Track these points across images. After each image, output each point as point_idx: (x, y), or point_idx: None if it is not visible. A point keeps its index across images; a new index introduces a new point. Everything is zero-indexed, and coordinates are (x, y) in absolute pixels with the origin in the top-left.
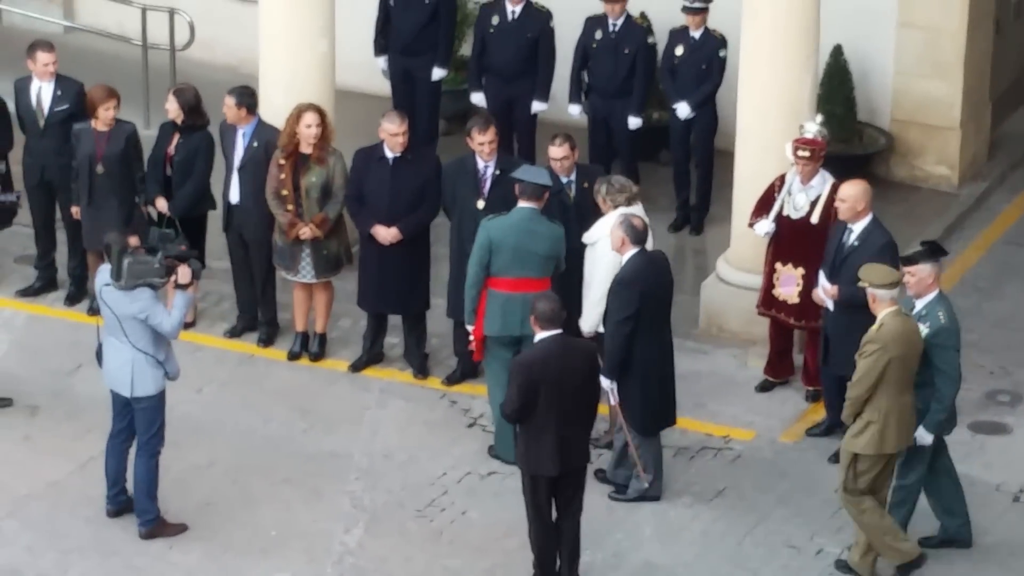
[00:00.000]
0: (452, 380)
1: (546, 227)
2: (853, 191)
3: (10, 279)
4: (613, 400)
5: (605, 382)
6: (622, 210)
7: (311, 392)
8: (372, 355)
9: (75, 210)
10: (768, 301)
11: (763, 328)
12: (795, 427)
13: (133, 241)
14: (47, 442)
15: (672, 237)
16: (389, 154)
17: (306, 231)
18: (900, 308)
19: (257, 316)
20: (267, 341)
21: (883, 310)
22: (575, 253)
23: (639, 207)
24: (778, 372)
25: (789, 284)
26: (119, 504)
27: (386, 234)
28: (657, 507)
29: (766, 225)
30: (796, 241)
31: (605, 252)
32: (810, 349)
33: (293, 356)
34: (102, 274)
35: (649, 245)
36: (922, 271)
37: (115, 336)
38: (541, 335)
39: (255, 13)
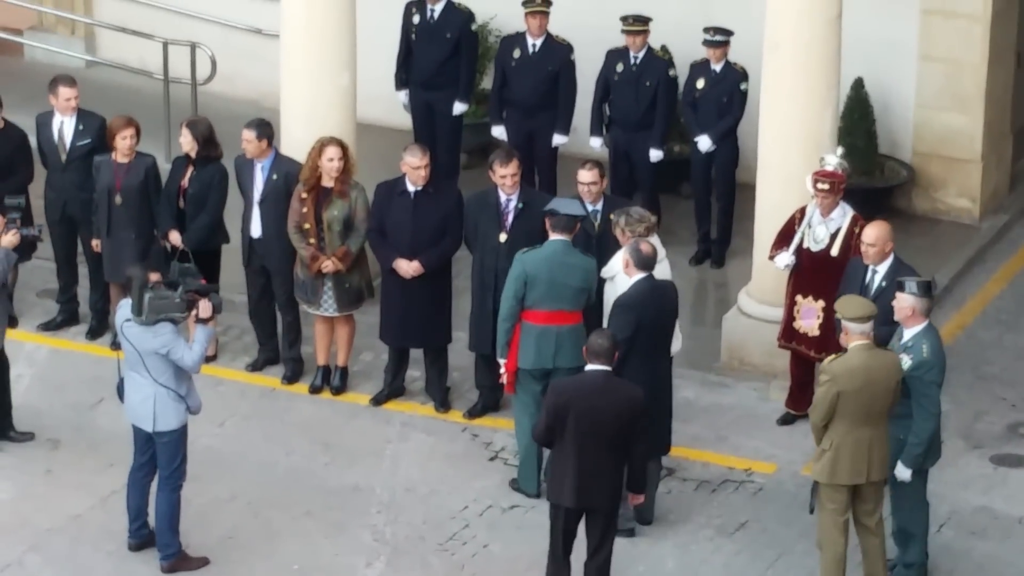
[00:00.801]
0: (474, 413)
1: (579, 259)
2: (881, 232)
3: (32, 313)
4: None
5: None
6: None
7: (333, 425)
8: (393, 388)
9: (96, 243)
10: (789, 334)
11: (784, 361)
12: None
13: (154, 276)
14: (69, 476)
15: (693, 270)
16: (411, 187)
17: (328, 264)
18: (870, 344)
19: (278, 349)
20: (292, 379)
21: (851, 342)
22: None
23: (656, 238)
24: (800, 405)
25: (809, 316)
26: (141, 538)
27: (408, 267)
28: (679, 540)
29: (786, 258)
30: (816, 274)
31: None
32: None
33: (315, 390)
34: (123, 309)
35: (665, 273)
36: (903, 301)
37: (137, 371)
38: (589, 367)
39: (276, 47)
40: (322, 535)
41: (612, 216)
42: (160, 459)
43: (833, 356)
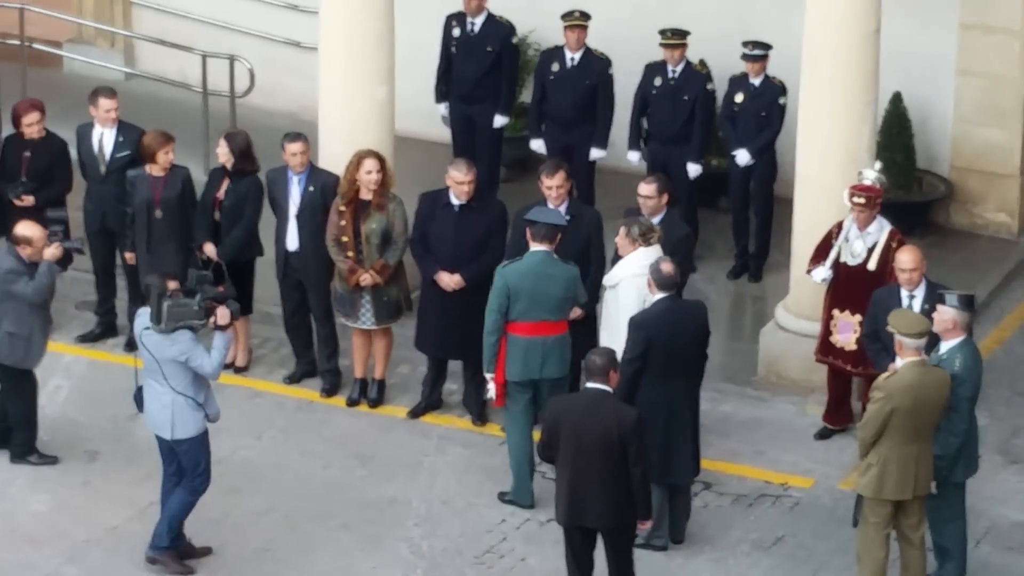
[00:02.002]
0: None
1: (561, 269)
2: (916, 256)
3: (70, 325)
4: None
5: None
6: (643, 250)
7: (370, 438)
8: (431, 401)
9: (130, 256)
10: (826, 348)
11: (822, 375)
12: (854, 475)
13: (172, 284)
14: (106, 488)
15: (731, 284)
16: (455, 201)
17: (366, 277)
18: (924, 359)
19: (315, 361)
20: (330, 391)
21: (905, 358)
22: None
23: (658, 247)
24: (837, 419)
25: (846, 331)
26: (182, 545)
27: (449, 280)
28: (715, 555)
29: (823, 272)
30: (853, 288)
31: (628, 293)
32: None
33: (352, 402)
34: (141, 318)
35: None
36: (945, 314)
37: (155, 379)
38: (588, 384)
39: (315, 60)
40: (358, 548)
41: (621, 224)
42: (185, 466)
43: (887, 373)
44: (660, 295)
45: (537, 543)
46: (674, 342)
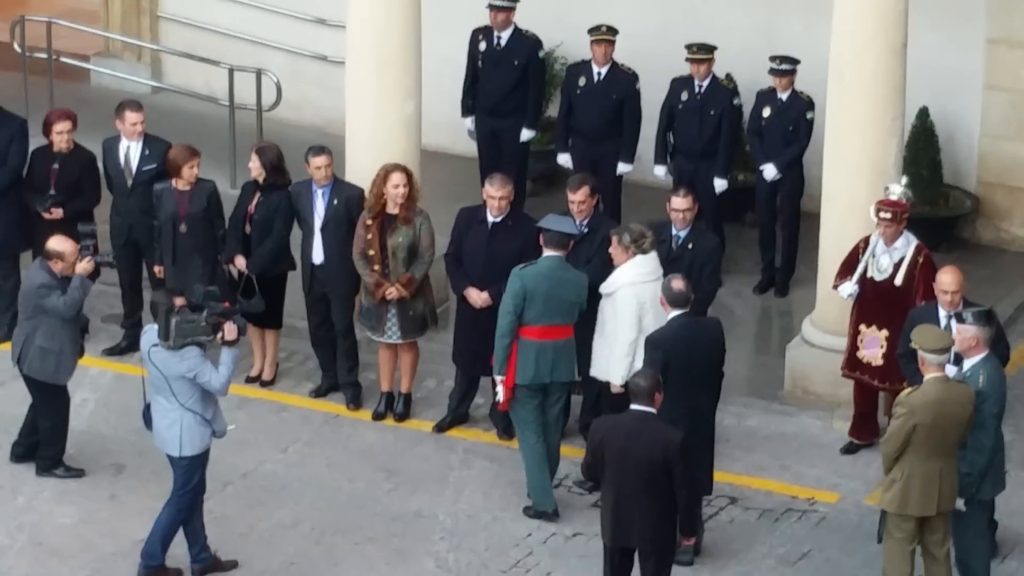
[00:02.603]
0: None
1: (573, 274)
2: (959, 278)
3: (97, 338)
4: None
5: None
6: (639, 257)
7: (396, 452)
8: (457, 415)
9: (158, 269)
10: (852, 363)
11: (848, 390)
12: (879, 490)
13: (178, 301)
14: (132, 501)
15: (757, 299)
16: (490, 217)
17: (392, 291)
18: (947, 375)
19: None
20: (355, 404)
21: (929, 374)
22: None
23: (654, 254)
24: (863, 434)
25: (873, 346)
26: (204, 562)
27: (477, 298)
28: (741, 569)
29: (850, 287)
30: (880, 303)
31: (625, 302)
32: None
33: (378, 416)
34: (148, 335)
35: (655, 268)
36: (967, 331)
37: (163, 396)
38: (632, 406)
39: (342, 74)
40: (384, 562)
41: (613, 235)
42: (176, 479)
43: (909, 389)
44: (675, 312)
45: (563, 557)
46: (691, 359)
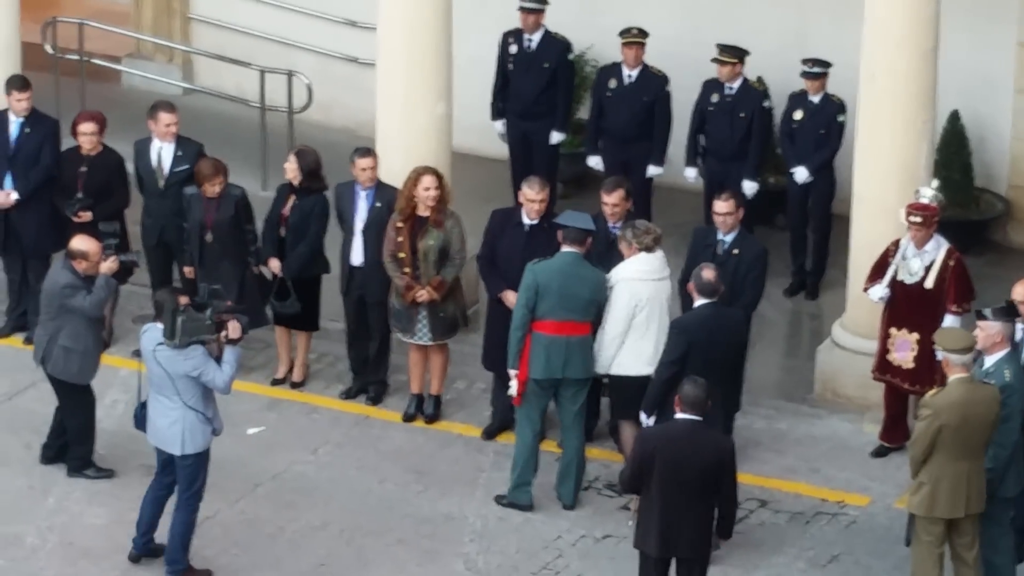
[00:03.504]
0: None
1: (589, 271)
2: None
3: (128, 339)
4: None
5: (643, 416)
6: (643, 255)
7: (426, 454)
8: (505, 420)
9: (188, 270)
10: (883, 366)
11: (878, 393)
12: (907, 493)
13: (183, 300)
14: None
15: (788, 301)
16: (526, 220)
17: (423, 294)
18: (972, 376)
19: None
20: (376, 400)
21: (953, 375)
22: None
23: (660, 254)
24: (894, 437)
25: (904, 349)
26: (146, 551)
27: (514, 300)
28: (771, 572)
29: (880, 290)
30: (911, 306)
31: (621, 295)
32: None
33: (408, 418)
34: (149, 333)
35: (662, 267)
36: (991, 328)
37: (165, 395)
38: (680, 415)
39: (373, 76)
40: (415, 563)
41: (620, 231)
42: (180, 481)
43: (934, 390)
44: (702, 301)
45: (593, 559)
46: (712, 348)
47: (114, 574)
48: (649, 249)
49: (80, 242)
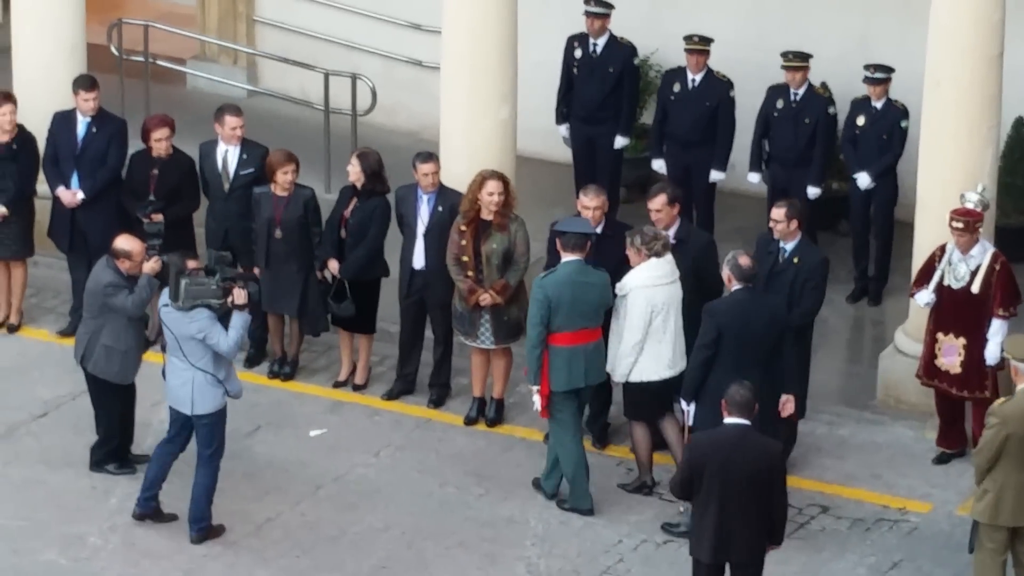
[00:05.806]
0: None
1: (595, 276)
2: None
3: None
4: (689, 422)
5: (682, 403)
6: (654, 261)
7: (487, 457)
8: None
9: (255, 272)
10: (931, 371)
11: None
12: (971, 501)
13: (192, 263)
14: (224, 503)
15: (850, 307)
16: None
17: (486, 297)
18: None
19: (414, 380)
20: (437, 402)
21: (1021, 383)
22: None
23: (669, 257)
24: (951, 442)
25: (951, 354)
26: (148, 509)
27: None
28: None
29: (926, 295)
30: (957, 311)
31: (636, 302)
32: (976, 420)
33: (470, 421)
34: (164, 296)
35: (671, 272)
36: None
37: (175, 356)
38: (728, 420)
39: (437, 79)
40: (475, 567)
41: (628, 237)
42: (199, 441)
43: (1003, 399)
44: (738, 286)
45: (653, 564)
46: (746, 333)
47: (177, 574)
48: (658, 254)
49: (124, 241)
